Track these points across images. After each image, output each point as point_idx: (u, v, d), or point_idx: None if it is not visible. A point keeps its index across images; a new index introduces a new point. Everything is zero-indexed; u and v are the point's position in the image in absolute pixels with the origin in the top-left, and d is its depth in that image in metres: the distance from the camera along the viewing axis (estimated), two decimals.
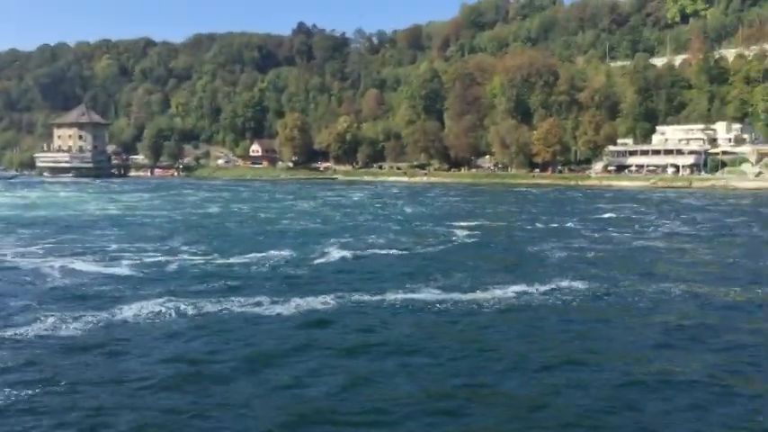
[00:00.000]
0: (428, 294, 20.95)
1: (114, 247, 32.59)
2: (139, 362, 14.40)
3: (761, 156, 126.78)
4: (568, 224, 47.55)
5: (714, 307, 20.15)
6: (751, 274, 26.29)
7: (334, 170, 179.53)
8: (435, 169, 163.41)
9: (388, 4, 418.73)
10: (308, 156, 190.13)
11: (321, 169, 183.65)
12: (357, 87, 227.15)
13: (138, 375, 13.55)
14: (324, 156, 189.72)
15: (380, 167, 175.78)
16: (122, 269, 25.87)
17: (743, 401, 12.49)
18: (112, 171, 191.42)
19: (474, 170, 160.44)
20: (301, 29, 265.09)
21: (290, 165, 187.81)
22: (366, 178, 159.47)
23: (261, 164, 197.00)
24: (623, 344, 16.28)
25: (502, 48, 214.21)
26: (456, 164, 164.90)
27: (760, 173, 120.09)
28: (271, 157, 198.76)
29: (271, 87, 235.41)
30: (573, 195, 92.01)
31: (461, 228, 43.79)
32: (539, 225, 46.94)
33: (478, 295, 20.87)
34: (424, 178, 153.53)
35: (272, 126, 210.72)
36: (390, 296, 20.66)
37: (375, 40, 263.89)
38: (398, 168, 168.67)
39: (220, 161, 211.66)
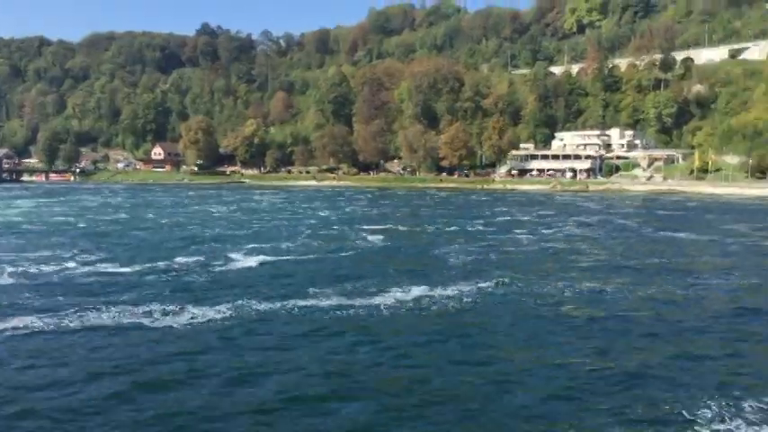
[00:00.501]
0: (333, 300, 20.71)
1: (9, 256, 30.53)
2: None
3: (651, 160, 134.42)
4: (475, 227, 48.53)
5: (606, 302, 21.09)
6: (637, 272, 27.63)
7: (242, 174, 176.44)
8: (344, 173, 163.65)
9: (295, 7, 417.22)
10: (214, 159, 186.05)
11: (228, 173, 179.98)
12: (264, 90, 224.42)
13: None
14: (230, 159, 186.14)
15: (289, 171, 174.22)
16: (10, 279, 24.25)
17: (618, 386, 13.45)
18: (3, 176, 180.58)
19: (383, 174, 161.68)
20: (205, 29, 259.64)
21: (195, 169, 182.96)
22: (275, 183, 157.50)
23: (164, 168, 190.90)
24: (517, 340, 16.78)
25: (409, 54, 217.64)
26: (365, 168, 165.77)
27: (650, 177, 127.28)
28: (174, 160, 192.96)
29: (173, 89, 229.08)
30: (479, 198, 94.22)
31: (372, 231, 43.88)
32: (447, 228, 47.66)
33: (383, 299, 20.85)
34: (334, 182, 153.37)
35: (176, 129, 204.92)
36: (292, 303, 20.27)
37: (282, 43, 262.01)
38: (307, 172, 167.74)
39: (120, 165, 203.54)
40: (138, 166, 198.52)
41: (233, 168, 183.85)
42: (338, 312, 19.24)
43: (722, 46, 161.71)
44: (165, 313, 18.73)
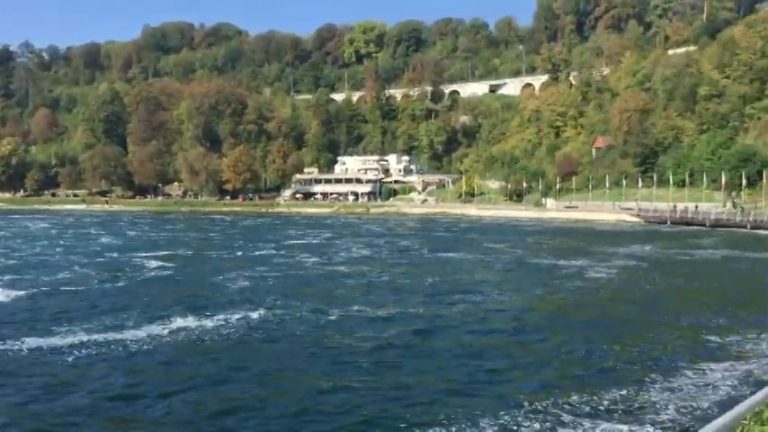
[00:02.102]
0: (77, 338, 18.70)
1: None
2: None
3: (426, 185, 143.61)
4: (261, 251, 47.79)
5: (374, 324, 21.54)
6: (413, 293, 28.82)
7: None
8: (118, 197, 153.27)
9: (60, 19, 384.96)
10: None
11: None
12: (24, 106, 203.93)
13: None
14: None
15: (54, 195, 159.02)
16: None
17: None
18: None
19: (161, 198, 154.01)
20: None
21: None
22: (37, 207, 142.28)
23: None
24: (267, 367, 16.44)
25: (188, 73, 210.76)
26: (141, 191, 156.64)
27: (425, 200, 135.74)
28: None
29: None
30: (266, 222, 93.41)
31: (155, 258, 41.28)
32: (235, 253, 46.41)
33: (139, 333, 19.29)
34: (106, 206, 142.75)
35: None
36: (28, 342, 18.12)
37: (46, 56, 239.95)
38: (76, 195, 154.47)
39: None
40: None
41: None
42: (78, 350, 17.44)
43: (483, 81, 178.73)
44: None
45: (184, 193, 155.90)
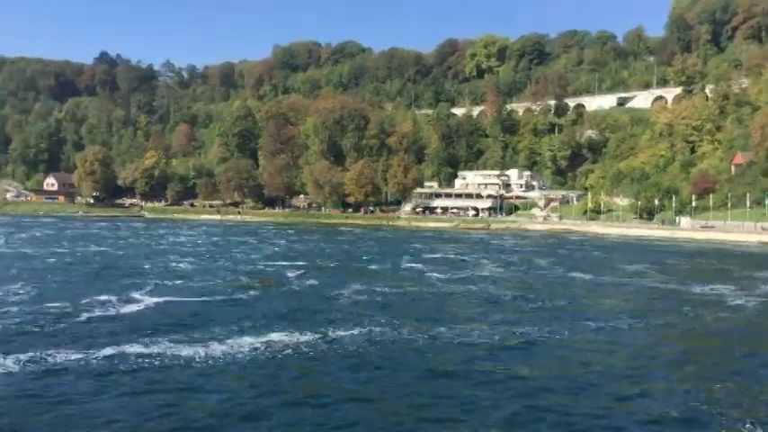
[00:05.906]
0: (177, 348, 19.74)
1: None
2: None
3: (548, 201, 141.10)
4: (393, 265, 48.91)
5: (529, 350, 21.69)
6: (539, 316, 28.87)
7: (141, 207, 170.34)
8: (249, 208, 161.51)
9: (199, 39, 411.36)
10: (112, 192, 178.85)
11: (127, 206, 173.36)
12: (166, 122, 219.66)
13: None
14: (129, 192, 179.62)
15: (192, 205, 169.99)
16: None
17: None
18: None
19: (288, 209, 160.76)
20: (104, 58, 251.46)
21: (91, 201, 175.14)
22: (176, 216, 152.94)
23: (56, 199, 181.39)
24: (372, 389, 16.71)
25: (314, 90, 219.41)
26: (269, 202, 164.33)
27: (547, 216, 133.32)
28: (68, 191, 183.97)
29: (69, 117, 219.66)
30: (389, 236, 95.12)
31: (292, 268, 43.67)
32: (371, 266, 47.86)
33: (225, 347, 20.03)
34: (238, 217, 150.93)
35: (71, 159, 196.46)
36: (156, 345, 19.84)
37: (185, 75, 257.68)
38: (211, 206, 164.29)
39: (9, 195, 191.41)
40: (29, 197, 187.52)
41: (132, 201, 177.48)
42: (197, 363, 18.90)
43: (611, 94, 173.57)
44: None
45: (309, 205, 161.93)
